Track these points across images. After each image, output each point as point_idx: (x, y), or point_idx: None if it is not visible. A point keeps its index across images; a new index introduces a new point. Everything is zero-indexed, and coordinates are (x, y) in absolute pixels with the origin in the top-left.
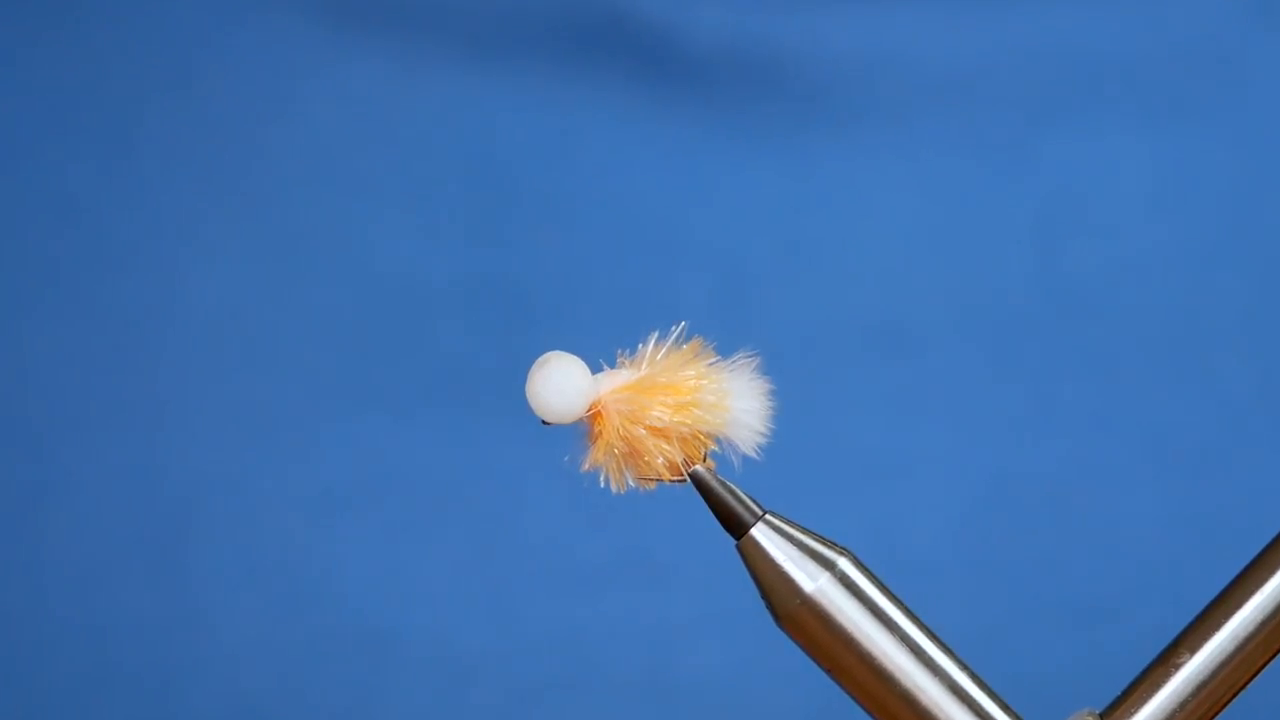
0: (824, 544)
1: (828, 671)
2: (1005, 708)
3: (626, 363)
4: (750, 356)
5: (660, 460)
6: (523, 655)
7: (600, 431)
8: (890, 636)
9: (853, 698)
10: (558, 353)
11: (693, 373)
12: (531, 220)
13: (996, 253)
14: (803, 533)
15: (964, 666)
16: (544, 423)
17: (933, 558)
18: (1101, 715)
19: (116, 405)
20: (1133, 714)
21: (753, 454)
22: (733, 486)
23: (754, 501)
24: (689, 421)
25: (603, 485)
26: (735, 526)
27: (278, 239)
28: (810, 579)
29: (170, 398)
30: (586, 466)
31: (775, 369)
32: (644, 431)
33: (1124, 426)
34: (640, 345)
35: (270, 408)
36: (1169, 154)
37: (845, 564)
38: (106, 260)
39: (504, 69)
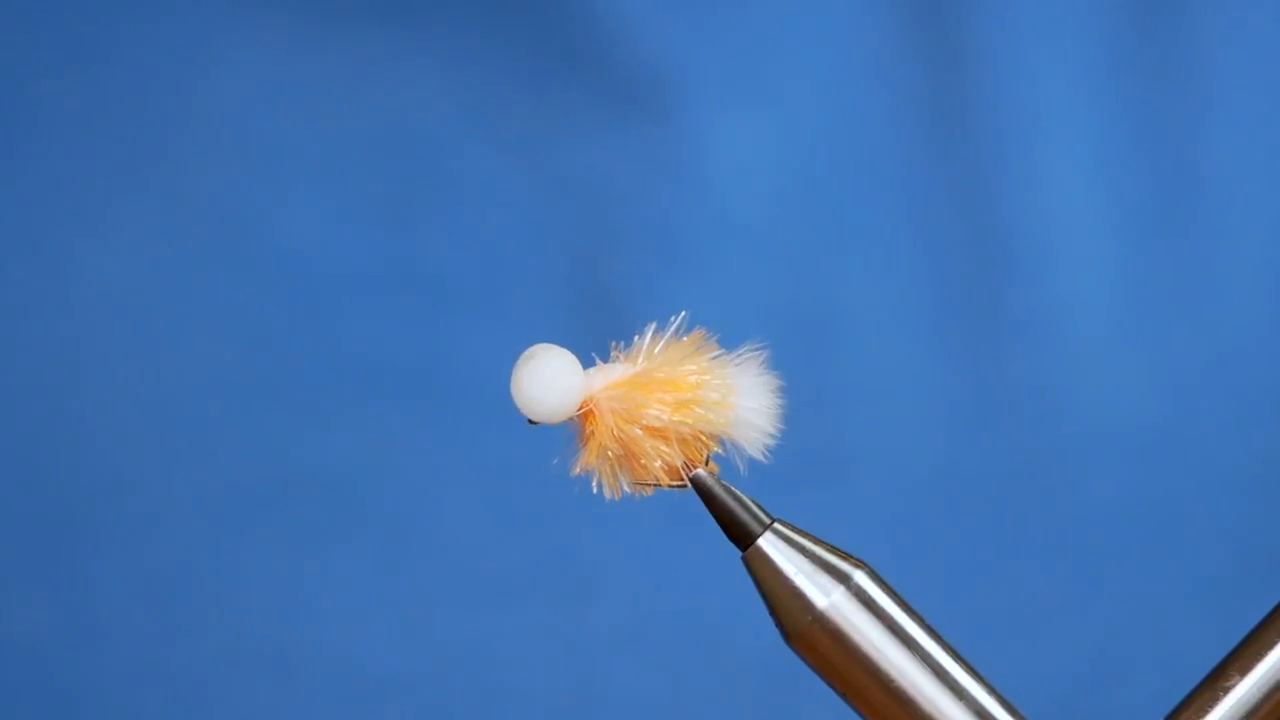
0: (838, 555)
1: (841, 694)
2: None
3: (621, 356)
4: (758, 349)
5: (658, 463)
6: (436, 673)
7: (592, 432)
8: (911, 657)
9: None
10: (545, 345)
11: (694, 367)
12: (451, 200)
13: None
14: (815, 543)
15: (991, 690)
16: (530, 423)
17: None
18: None
19: None
20: None
21: (760, 457)
22: (738, 492)
23: (761, 509)
24: (690, 421)
25: (595, 491)
26: (741, 536)
27: (175, 219)
28: (823, 594)
29: (55, 391)
30: (577, 470)
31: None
32: (640, 432)
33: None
34: (636, 337)
35: (165, 403)
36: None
37: (861, 577)
38: None
39: (421, 36)
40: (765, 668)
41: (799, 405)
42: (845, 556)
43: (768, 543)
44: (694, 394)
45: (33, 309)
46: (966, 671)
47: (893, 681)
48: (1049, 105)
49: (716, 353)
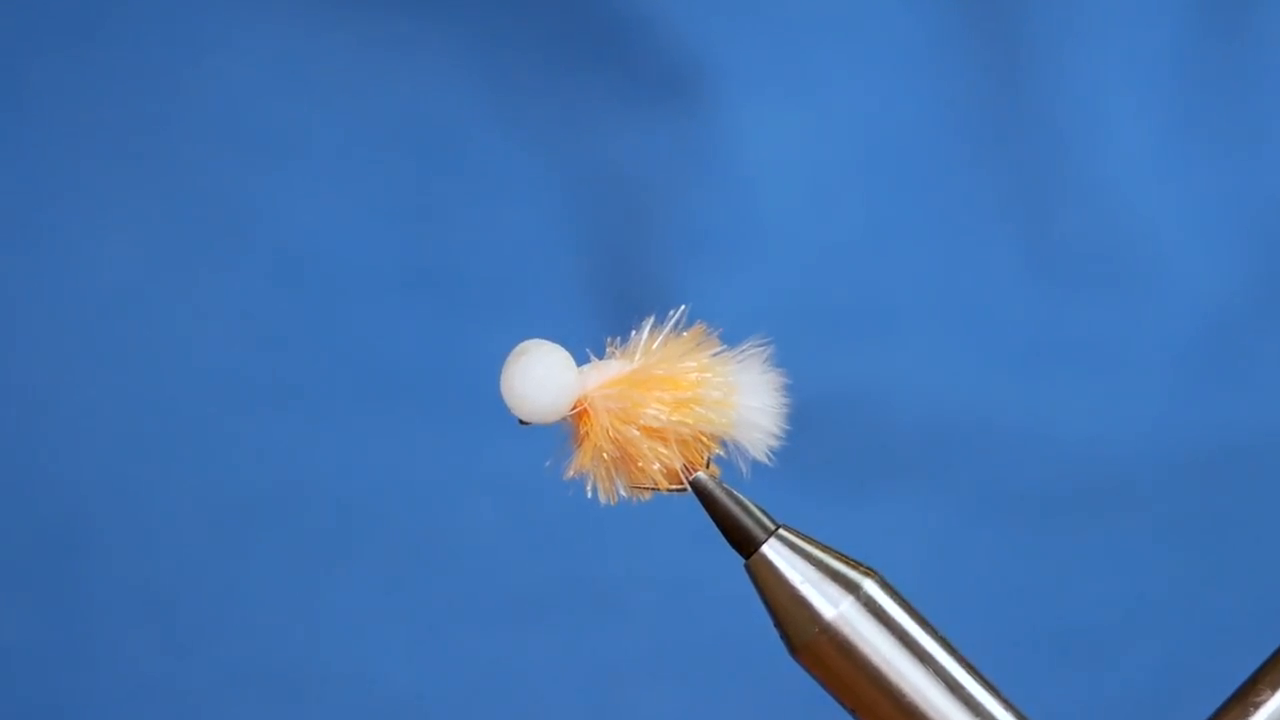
0: (847, 563)
1: (850, 710)
2: None
3: (617, 353)
4: (761, 344)
5: (656, 466)
6: (451, 695)
7: (586, 433)
8: (924, 671)
9: None
10: (537, 340)
11: (694, 364)
12: (470, 194)
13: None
14: (822, 550)
15: (1009, 705)
16: (521, 422)
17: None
18: None
19: None
20: None
21: (764, 459)
22: (741, 497)
23: (765, 514)
24: (690, 421)
25: (590, 495)
26: (744, 543)
27: (176, 213)
28: (831, 604)
29: (49, 394)
30: (571, 473)
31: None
32: (637, 433)
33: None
34: (633, 332)
35: (166, 407)
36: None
37: (871, 586)
38: None
39: (439, 19)
40: (798, 690)
41: (836, 408)
42: (855, 564)
43: (772, 549)
44: (694, 393)
45: (25, 307)
46: (983, 686)
47: (904, 697)
48: (1106, 100)
49: (718, 349)
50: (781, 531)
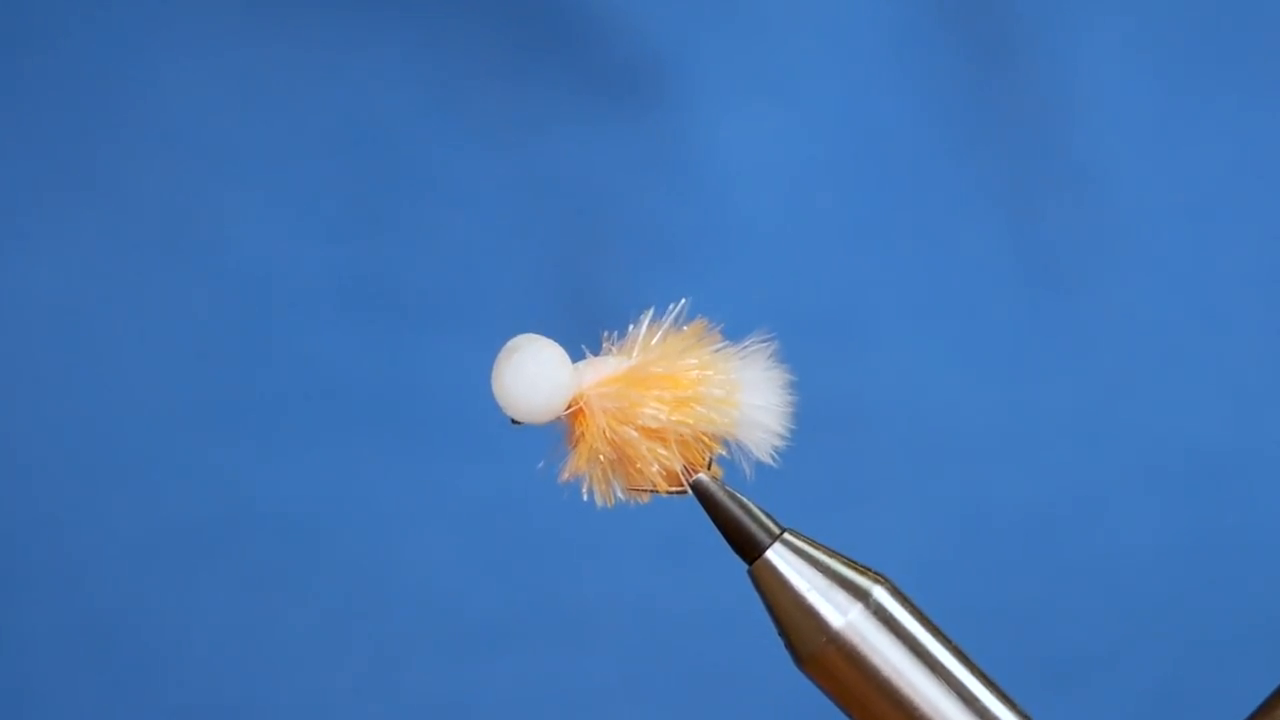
0: (855, 569)
1: None
2: None
3: (613, 349)
4: (765, 340)
5: (655, 468)
6: None
7: (582, 433)
8: (936, 681)
9: None
10: (530, 336)
11: (695, 361)
12: (419, 201)
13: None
14: (829, 555)
15: (1025, 716)
16: (513, 422)
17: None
18: None
19: None
20: None
21: (768, 460)
22: (744, 499)
23: (770, 517)
24: (690, 421)
25: (586, 498)
26: (747, 547)
27: (110, 223)
28: (839, 612)
29: None
30: (566, 475)
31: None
32: (635, 433)
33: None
34: (631, 326)
35: (101, 430)
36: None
37: (881, 594)
38: None
39: (384, 16)
40: (784, 716)
41: (814, 420)
42: (863, 570)
43: (777, 555)
44: (695, 391)
45: None
46: (999, 698)
47: (916, 710)
48: (1094, 89)
49: (719, 345)
50: (787, 536)
